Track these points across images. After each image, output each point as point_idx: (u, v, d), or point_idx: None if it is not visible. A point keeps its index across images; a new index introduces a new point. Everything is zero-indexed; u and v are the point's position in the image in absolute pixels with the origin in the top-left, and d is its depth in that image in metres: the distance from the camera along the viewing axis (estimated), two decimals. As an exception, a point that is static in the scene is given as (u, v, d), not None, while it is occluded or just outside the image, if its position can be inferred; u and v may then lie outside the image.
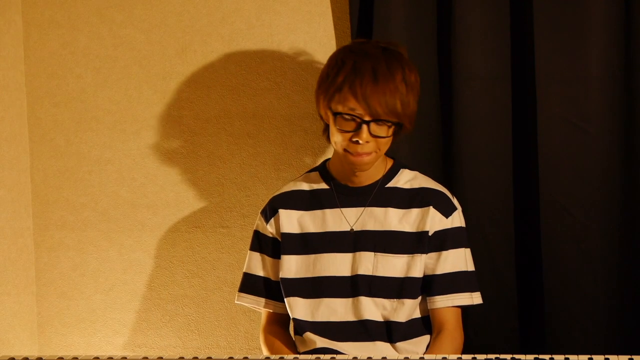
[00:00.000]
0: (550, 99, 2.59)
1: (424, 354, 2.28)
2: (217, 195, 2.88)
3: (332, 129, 2.25)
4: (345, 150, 2.24)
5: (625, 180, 2.60)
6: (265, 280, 2.40)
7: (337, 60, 2.25)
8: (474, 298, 2.31)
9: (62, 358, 2.00)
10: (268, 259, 2.40)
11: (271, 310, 2.43)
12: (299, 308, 2.33)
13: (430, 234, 2.29)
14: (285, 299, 2.35)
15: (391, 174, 2.35)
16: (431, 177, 2.43)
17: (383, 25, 2.63)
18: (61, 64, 2.92)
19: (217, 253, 2.90)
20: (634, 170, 2.59)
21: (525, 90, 2.63)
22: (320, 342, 2.29)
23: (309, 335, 2.31)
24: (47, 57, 2.92)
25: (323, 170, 2.40)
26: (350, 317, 2.29)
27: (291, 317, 2.36)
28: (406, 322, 2.28)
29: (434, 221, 2.29)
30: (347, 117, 2.21)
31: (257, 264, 2.41)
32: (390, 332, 2.28)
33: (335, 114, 2.22)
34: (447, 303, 2.29)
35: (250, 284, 2.42)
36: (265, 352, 2.42)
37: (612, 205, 2.60)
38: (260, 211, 2.43)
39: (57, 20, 2.90)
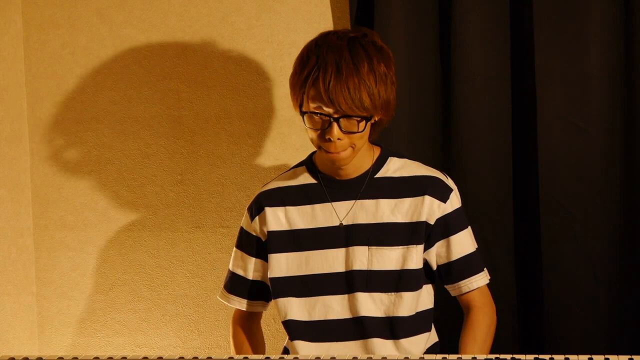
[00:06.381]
0: (550, 99, 2.59)
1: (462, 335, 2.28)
2: (217, 195, 2.88)
3: (305, 127, 2.19)
4: (320, 147, 2.19)
5: (625, 180, 2.60)
6: (245, 280, 2.35)
7: (303, 56, 2.18)
8: (486, 274, 2.31)
9: (62, 358, 2.00)
10: (247, 257, 2.34)
11: (245, 310, 2.39)
12: (293, 309, 2.27)
13: (432, 222, 2.23)
14: (276, 300, 2.29)
15: (379, 163, 2.27)
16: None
17: (383, 26, 2.63)
18: (61, 64, 2.92)
19: (217, 253, 2.90)
20: (634, 170, 2.59)
21: (525, 90, 2.63)
22: (315, 351, 2.25)
23: (299, 344, 2.27)
24: (47, 57, 2.92)
25: (310, 164, 2.31)
26: (346, 315, 2.25)
27: (283, 320, 2.29)
28: (409, 317, 2.24)
29: (432, 209, 2.23)
30: (315, 115, 2.14)
31: (238, 262, 2.36)
32: (393, 328, 2.24)
33: (304, 113, 2.16)
34: (471, 286, 2.27)
35: (235, 284, 2.37)
36: (232, 348, 2.40)
37: (612, 205, 2.60)
38: (247, 207, 2.35)
39: (57, 20, 2.90)
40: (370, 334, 2.24)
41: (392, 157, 2.29)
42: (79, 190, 2.94)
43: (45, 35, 2.92)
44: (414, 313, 2.25)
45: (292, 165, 2.38)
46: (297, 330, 2.28)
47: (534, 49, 2.58)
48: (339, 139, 2.14)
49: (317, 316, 2.26)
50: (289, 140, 2.82)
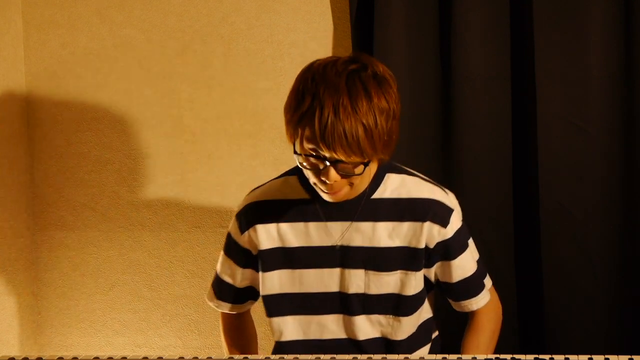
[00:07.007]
0: (550, 99, 2.60)
1: (465, 347, 2.24)
2: (217, 195, 2.88)
3: (297, 163, 2.06)
4: (315, 184, 2.07)
5: (625, 180, 2.60)
6: (233, 287, 2.29)
7: (299, 90, 1.98)
8: (487, 291, 2.24)
9: (62, 358, 2.00)
10: (235, 267, 2.26)
11: (235, 312, 2.35)
12: (288, 328, 2.21)
13: (431, 247, 2.14)
14: (270, 320, 2.22)
15: (376, 182, 2.13)
16: (431, 178, 2.27)
17: (383, 25, 2.63)
18: (61, 64, 2.92)
19: (217, 253, 2.88)
20: (634, 170, 2.59)
21: (525, 90, 2.64)
22: None
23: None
24: (47, 57, 2.92)
25: (302, 176, 2.13)
26: (342, 335, 2.19)
27: (277, 341, 2.23)
28: (406, 339, 2.19)
29: (432, 235, 2.13)
30: (310, 157, 1.99)
31: (226, 270, 2.29)
32: (390, 351, 2.18)
33: (298, 153, 2.03)
34: (471, 307, 2.22)
35: (223, 291, 2.31)
36: (224, 345, 2.37)
37: (612, 205, 2.60)
38: (235, 214, 2.22)
39: (57, 20, 2.90)
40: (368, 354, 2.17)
41: (389, 174, 2.17)
42: (79, 190, 2.95)
43: (45, 35, 2.92)
44: (414, 331, 2.21)
45: (286, 170, 2.24)
46: (292, 351, 2.21)
47: (534, 49, 2.59)
48: (335, 180, 2.02)
49: (313, 335, 2.21)
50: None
